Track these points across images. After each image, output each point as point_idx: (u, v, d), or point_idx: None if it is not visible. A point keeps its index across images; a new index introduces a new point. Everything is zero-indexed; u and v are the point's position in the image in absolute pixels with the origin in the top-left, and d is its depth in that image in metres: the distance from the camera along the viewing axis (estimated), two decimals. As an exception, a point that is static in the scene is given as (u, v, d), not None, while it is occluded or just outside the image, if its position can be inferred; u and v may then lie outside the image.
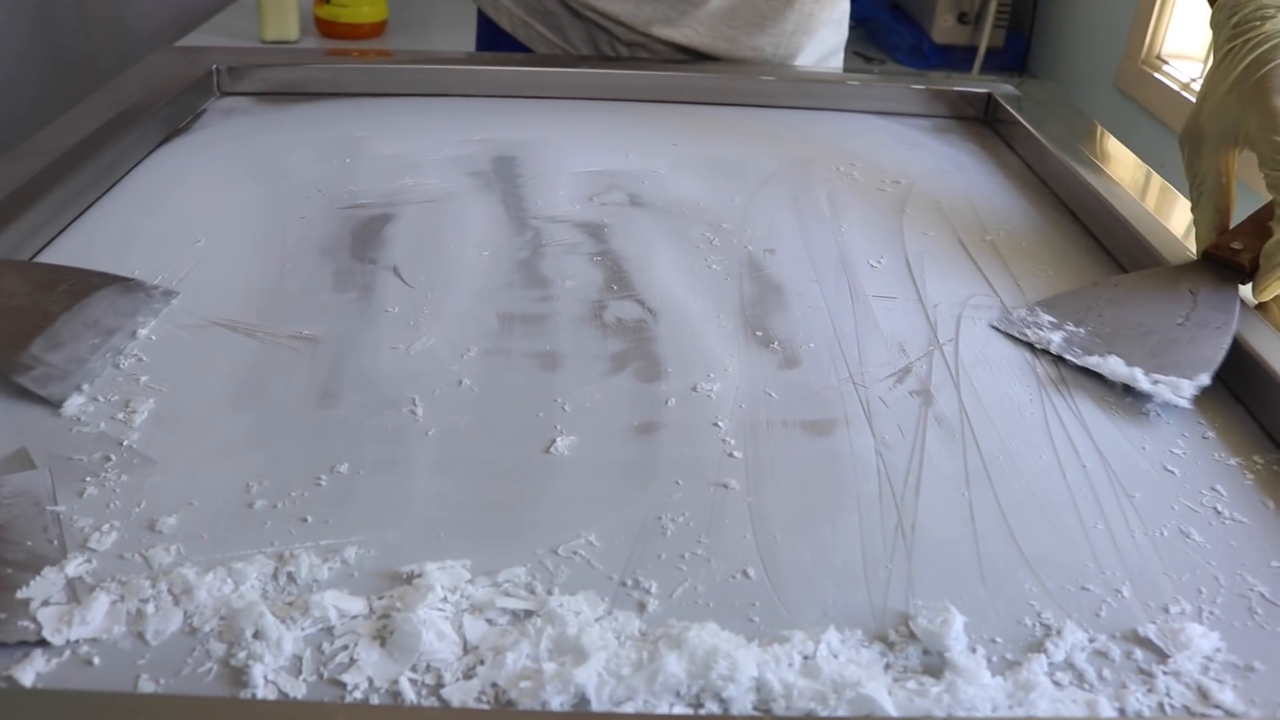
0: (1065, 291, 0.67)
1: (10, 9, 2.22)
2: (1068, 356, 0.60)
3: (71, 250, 0.69)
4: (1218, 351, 0.58)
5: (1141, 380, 0.57)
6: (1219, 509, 0.49)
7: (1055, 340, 0.61)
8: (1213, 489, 0.51)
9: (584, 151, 0.87)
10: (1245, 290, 0.64)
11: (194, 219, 0.73)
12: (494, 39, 1.13)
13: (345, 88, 0.99)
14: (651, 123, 0.94)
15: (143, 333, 0.59)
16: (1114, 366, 0.58)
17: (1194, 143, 0.67)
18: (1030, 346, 0.61)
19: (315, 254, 0.69)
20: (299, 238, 0.71)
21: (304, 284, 0.65)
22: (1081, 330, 0.62)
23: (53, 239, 0.70)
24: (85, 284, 0.61)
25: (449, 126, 0.91)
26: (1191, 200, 0.67)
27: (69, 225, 0.72)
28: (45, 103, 2.31)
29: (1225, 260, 0.65)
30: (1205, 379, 0.57)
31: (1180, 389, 0.56)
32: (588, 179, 0.82)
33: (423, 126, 0.91)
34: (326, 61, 1.02)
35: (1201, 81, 0.70)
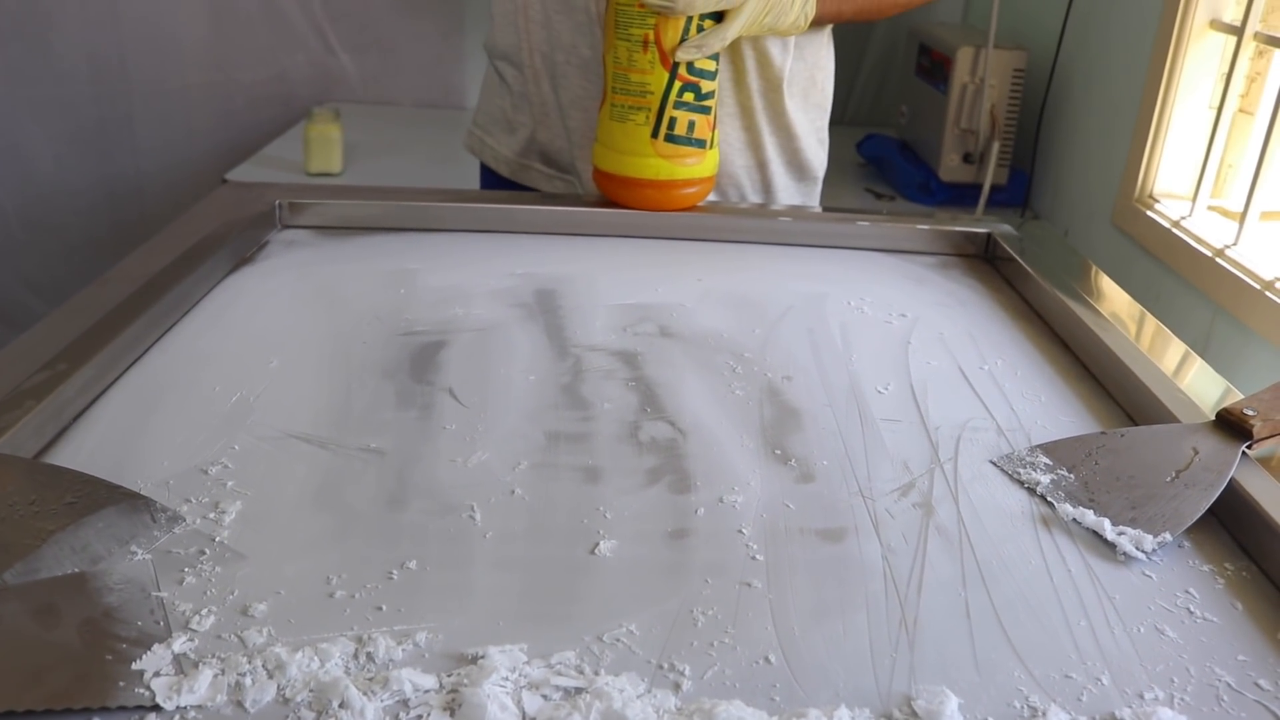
0: (1070, 437, 0.71)
1: (70, 141, 2.35)
2: (1050, 500, 0.64)
3: (158, 368, 0.76)
4: (1195, 511, 0.61)
5: (1108, 531, 0.61)
6: (1191, 609, 0.55)
7: (1044, 482, 0.66)
8: (1186, 591, 0.57)
9: (618, 285, 0.95)
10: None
11: (266, 342, 0.81)
12: (496, 183, 1.24)
13: (397, 223, 1.08)
14: (678, 259, 1.03)
15: (138, 558, 0.55)
16: (1085, 515, 0.62)
17: None
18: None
19: (377, 376, 0.77)
20: (362, 361, 0.79)
21: (369, 402, 0.73)
22: (1072, 476, 0.66)
23: (140, 356, 0.78)
24: (90, 499, 0.58)
25: (493, 260, 1.00)
26: None
27: (153, 345, 0.80)
28: (96, 231, 2.42)
29: (1235, 423, 0.67)
30: (1168, 536, 0.60)
31: (1142, 543, 0.59)
32: (621, 311, 0.90)
33: (469, 260, 1.00)
34: (379, 198, 1.11)
35: None
